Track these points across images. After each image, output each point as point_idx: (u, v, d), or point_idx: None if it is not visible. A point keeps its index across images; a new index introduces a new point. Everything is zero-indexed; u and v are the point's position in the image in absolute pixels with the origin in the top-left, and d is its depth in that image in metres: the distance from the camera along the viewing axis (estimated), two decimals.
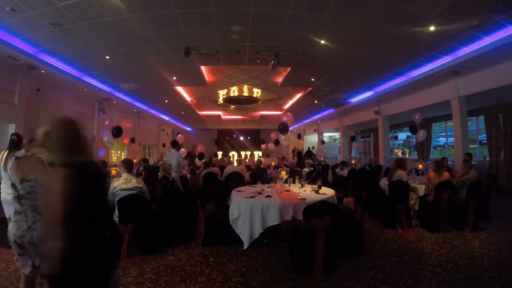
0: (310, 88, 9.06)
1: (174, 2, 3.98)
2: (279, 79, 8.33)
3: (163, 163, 5.79)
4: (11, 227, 1.73)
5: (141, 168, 7.25)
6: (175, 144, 6.76)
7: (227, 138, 22.06)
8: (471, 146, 8.22)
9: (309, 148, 16.91)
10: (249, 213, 3.49)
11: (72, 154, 1.46)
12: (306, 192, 4.14)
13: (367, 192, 5.10)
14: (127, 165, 3.72)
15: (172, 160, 6.06)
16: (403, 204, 4.51)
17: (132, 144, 12.68)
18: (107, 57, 5.98)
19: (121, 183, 3.47)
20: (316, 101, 10.88)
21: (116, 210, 3.37)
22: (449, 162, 7.68)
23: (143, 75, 7.35)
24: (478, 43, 5.15)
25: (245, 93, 9.99)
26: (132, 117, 12.85)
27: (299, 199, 3.58)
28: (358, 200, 5.01)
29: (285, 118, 7.31)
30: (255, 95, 10.28)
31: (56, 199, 1.31)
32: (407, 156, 13.46)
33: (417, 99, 8.53)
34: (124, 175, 3.58)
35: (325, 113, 13.34)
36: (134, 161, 11.61)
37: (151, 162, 9.91)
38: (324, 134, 16.49)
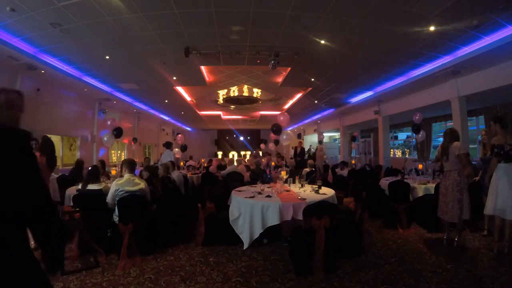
0: (310, 88, 9.06)
1: (174, 2, 3.97)
2: (279, 79, 8.33)
3: (163, 163, 5.84)
4: None
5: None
6: (169, 145, 7.15)
7: (227, 138, 22.07)
8: (471, 146, 8.21)
9: (310, 146, 16.97)
10: (249, 213, 3.49)
11: None
12: (306, 192, 4.13)
13: (367, 192, 5.11)
14: (129, 165, 3.71)
15: (167, 160, 6.22)
16: (403, 204, 4.51)
17: (133, 144, 12.68)
18: (107, 57, 5.98)
19: (125, 184, 3.45)
20: (316, 101, 10.88)
21: (116, 210, 3.37)
22: None
23: (143, 75, 7.35)
24: (478, 43, 5.15)
25: (245, 93, 10.00)
26: (132, 117, 12.85)
27: (299, 199, 3.58)
28: (358, 200, 5.01)
29: (281, 118, 7.31)
30: (255, 95, 10.29)
31: None
32: (407, 156, 13.46)
33: (417, 99, 8.53)
34: (127, 175, 3.57)
35: (325, 113, 13.34)
36: (136, 160, 11.68)
37: (151, 163, 9.92)
38: (324, 134, 16.48)
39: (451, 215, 3.67)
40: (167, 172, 4.85)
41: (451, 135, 3.85)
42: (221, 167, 8.70)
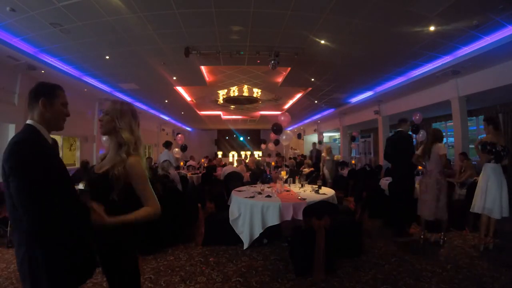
0: (310, 88, 9.06)
1: (174, 2, 3.97)
2: (279, 79, 8.33)
3: (161, 162, 5.86)
4: None
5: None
6: (168, 144, 7.30)
7: (227, 138, 22.07)
8: (471, 146, 8.20)
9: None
10: (249, 213, 3.49)
11: None
12: (306, 192, 4.14)
13: (367, 192, 5.11)
14: None
15: (165, 159, 6.26)
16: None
17: None
18: (107, 57, 5.98)
19: None
20: (316, 101, 10.88)
21: None
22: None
23: (143, 75, 7.35)
24: (478, 43, 5.15)
25: (245, 93, 10.00)
26: None
27: (299, 199, 3.58)
28: (358, 200, 5.01)
29: (282, 118, 7.29)
30: (255, 95, 10.29)
31: None
32: None
33: (417, 99, 8.53)
34: None
35: (325, 113, 13.34)
36: None
37: (151, 163, 9.91)
38: (324, 134, 16.49)
39: (429, 213, 3.81)
40: (165, 171, 4.86)
41: (434, 136, 4.00)
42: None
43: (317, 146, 11.04)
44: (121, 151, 1.50)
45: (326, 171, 8.15)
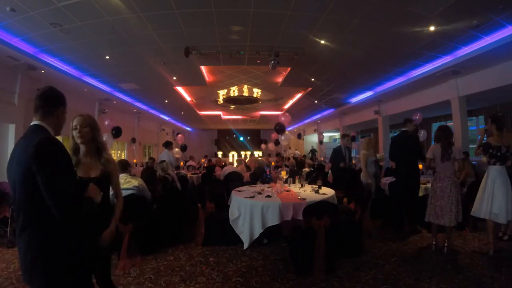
0: (310, 88, 9.06)
1: (174, 2, 3.98)
2: (279, 79, 8.34)
3: (160, 163, 5.86)
4: None
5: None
6: (168, 144, 7.42)
7: (227, 138, 22.08)
8: (471, 146, 8.21)
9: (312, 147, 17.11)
10: (249, 213, 3.48)
11: None
12: (306, 192, 4.13)
13: (367, 192, 5.09)
14: (122, 165, 3.77)
15: (164, 159, 6.27)
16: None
17: (134, 147, 12.66)
18: (107, 57, 5.98)
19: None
20: (316, 101, 10.89)
21: None
22: None
23: (143, 75, 7.35)
24: (478, 43, 5.15)
25: (245, 93, 10.00)
26: (132, 117, 12.85)
27: (299, 199, 3.57)
28: (358, 200, 5.01)
29: (283, 119, 7.30)
30: (255, 95, 10.29)
31: None
32: None
33: (417, 99, 8.53)
34: (121, 175, 3.59)
35: (325, 113, 13.34)
36: (134, 161, 11.62)
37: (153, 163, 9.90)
38: (324, 134, 16.49)
39: (449, 219, 3.46)
40: (165, 172, 4.85)
41: (451, 136, 3.65)
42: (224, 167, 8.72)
43: (347, 142, 7.12)
44: (103, 153, 1.82)
45: (370, 179, 5.17)
